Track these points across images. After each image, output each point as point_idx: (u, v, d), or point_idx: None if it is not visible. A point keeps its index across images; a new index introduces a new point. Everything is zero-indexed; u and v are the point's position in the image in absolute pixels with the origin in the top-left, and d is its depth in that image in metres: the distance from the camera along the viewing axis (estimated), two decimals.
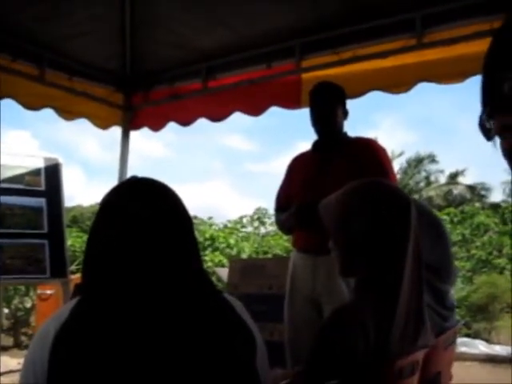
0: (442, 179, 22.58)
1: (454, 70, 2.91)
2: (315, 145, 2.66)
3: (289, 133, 41.97)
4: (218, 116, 3.86)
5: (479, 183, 21.47)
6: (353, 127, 2.65)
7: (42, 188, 3.77)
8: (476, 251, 11.91)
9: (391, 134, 35.46)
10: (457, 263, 11.02)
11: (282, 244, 12.15)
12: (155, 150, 38.22)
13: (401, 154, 22.50)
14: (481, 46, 2.38)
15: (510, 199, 17.44)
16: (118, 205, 1.10)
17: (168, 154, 40.45)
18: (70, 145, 38.63)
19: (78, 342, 0.96)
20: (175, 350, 0.99)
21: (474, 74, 2.74)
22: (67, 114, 3.85)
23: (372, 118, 37.02)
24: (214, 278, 7.79)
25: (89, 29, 3.43)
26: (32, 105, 3.60)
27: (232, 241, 12.04)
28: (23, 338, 8.50)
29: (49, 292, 7.45)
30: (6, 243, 3.46)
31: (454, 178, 22.10)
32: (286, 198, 2.66)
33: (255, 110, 3.69)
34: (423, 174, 22.94)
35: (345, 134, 2.63)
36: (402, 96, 3.16)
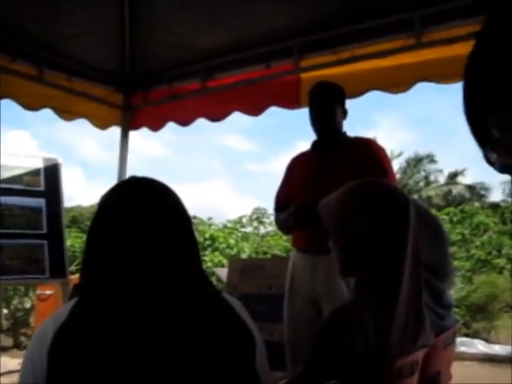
0: (442, 179, 22.61)
1: (452, 69, 2.90)
2: (314, 144, 2.66)
3: (288, 133, 42.05)
4: (217, 116, 3.86)
5: (478, 183, 21.49)
6: (352, 127, 2.65)
7: (42, 188, 3.77)
8: (475, 251, 11.91)
9: (390, 134, 35.50)
10: (456, 263, 11.04)
11: (281, 244, 12.15)
12: (154, 150, 38.26)
13: (400, 154, 22.54)
14: None
15: (509, 199, 17.46)
16: (117, 204, 1.09)
17: (167, 154, 40.48)
18: (69, 145, 38.68)
19: (76, 342, 0.96)
20: (174, 350, 0.99)
21: None
22: (66, 114, 3.85)
23: (371, 118, 37.07)
24: (213, 278, 7.79)
25: (88, 29, 3.43)
26: (31, 105, 3.60)
27: (232, 241, 12.04)
28: (23, 339, 8.49)
29: (48, 292, 7.44)
30: (6, 244, 3.46)
31: (453, 177, 22.11)
32: (285, 198, 2.66)
33: (254, 109, 3.69)
34: (422, 173, 22.98)
35: (344, 133, 2.63)
36: (401, 96, 3.17)
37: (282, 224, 2.66)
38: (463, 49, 2.79)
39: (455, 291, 9.69)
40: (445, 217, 13.12)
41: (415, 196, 19.00)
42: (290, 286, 2.60)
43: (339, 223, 1.38)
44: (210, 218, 14.63)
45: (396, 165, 21.24)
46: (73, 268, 7.25)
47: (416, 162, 22.80)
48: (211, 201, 33.24)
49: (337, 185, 1.46)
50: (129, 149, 4.19)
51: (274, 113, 3.65)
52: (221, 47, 3.54)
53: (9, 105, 3.39)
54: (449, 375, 1.83)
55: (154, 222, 1.06)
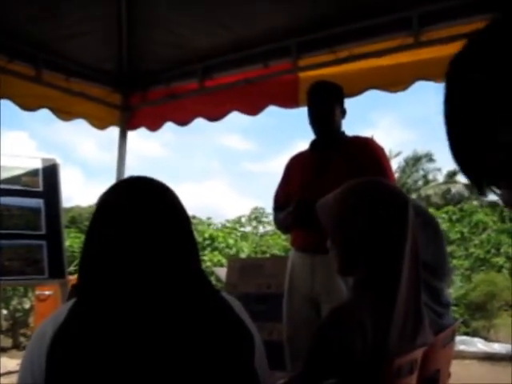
0: (440, 178, 22.60)
1: None
2: (313, 144, 2.65)
3: (287, 132, 42.09)
4: (215, 116, 3.85)
5: None
6: (350, 126, 2.65)
7: (40, 189, 3.77)
8: (474, 249, 11.93)
9: (389, 133, 35.54)
10: (455, 261, 11.06)
11: (280, 243, 12.16)
12: (153, 150, 38.31)
13: (398, 153, 22.55)
14: None
15: None
16: (116, 204, 1.09)
17: (166, 153, 40.52)
18: (67, 145, 38.70)
19: (75, 342, 0.96)
20: (173, 349, 0.99)
21: None
22: (65, 114, 3.84)
23: (369, 117, 37.11)
24: (212, 278, 7.79)
25: (86, 29, 3.42)
26: (29, 105, 3.59)
27: (231, 240, 12.04)
28: (22, 339, 8.48)
29: (47, 293, 7.42)
30: (5, 244, 3.46)
31: (452, 176, 22.09)
32: (284, 197, 2.66)
33: (252, 109, 3.69)
34: (421, 172, 22.97)
35: (343, 133, 2.63)
36: (400, 95, 3.16)
37: (281, 223, 2.66)
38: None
39: (454, 290, 9.70)
40: (444, 215, 13.13)
41: (414, 195, 19.01)
42: (289, 285, 2.60)
43: (337, 223, 1.38)
44: (209, 218, 14.66)
45: (394, 164, 21.27)
46: (72, 268, 7.23)
47: (414, 160, 22.80)
48: (210, 200, 33.30)
49: (335, 184, 1.46)
50: (127, 149, 4.19)
51: (272, 112, 3.65)
52: (219, 47, 3.54)
53: (7, 105, 3.39)
54: (448, 374, 1.83)
55: (153, 222, 1.05)
